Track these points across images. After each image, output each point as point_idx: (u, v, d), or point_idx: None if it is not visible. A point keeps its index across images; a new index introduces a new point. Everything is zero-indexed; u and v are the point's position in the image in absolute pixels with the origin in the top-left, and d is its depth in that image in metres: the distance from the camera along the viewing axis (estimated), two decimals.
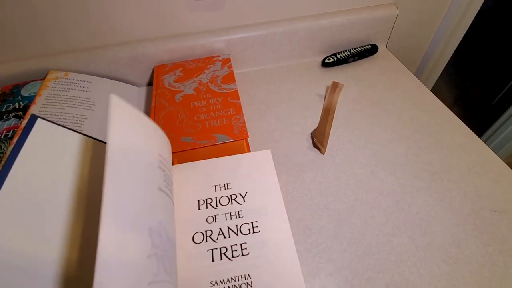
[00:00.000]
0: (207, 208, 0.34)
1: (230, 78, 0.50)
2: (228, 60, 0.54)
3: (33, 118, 0.29)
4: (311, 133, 0.48)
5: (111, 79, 0.54)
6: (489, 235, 0.36)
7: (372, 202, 0.39)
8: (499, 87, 1.55)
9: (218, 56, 0.55)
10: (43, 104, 0.46)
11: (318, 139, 0.46)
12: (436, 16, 0.64)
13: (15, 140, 0.33)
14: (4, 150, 0.40)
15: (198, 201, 0.34)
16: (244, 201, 0.34)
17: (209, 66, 0.53)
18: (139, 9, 0.50)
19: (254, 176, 0.36)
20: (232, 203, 0.34)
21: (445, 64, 0.77)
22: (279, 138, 0.48)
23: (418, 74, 0.78)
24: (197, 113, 0.45)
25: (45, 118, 0.30)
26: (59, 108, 0.46)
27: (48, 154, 0.27)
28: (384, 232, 0.36)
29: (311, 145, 0.47)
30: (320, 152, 0.45)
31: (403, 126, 0.49)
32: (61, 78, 0.51)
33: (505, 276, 0.32)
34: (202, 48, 0.55)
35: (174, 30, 0.55)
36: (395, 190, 0.40)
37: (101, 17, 0.50)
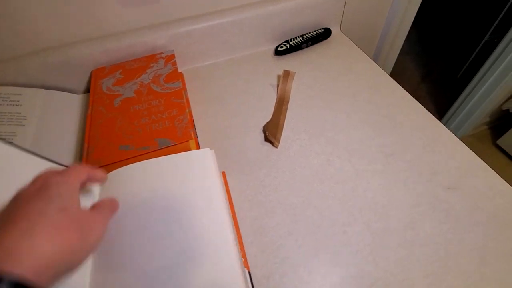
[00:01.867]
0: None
1: (174, 76, 0.47)
2: (172, 56, 0.50)
3: None
4: (263, 127, 0.45)
5: (46, 89, 0.49)
6: (444, 213, 0.35)
7: (327, 192, 0.38)
8: (463, 60, 1.60)
9: (162, 53, 0.51)
10: None
11: (271, 132, 0.44)
12: None
13: None
14: None
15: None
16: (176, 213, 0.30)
17: (151, 65, 0.49)
18: (67, 9, 0.45)
19: (189, 180, 0.31)
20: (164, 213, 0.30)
21: (404, 38, 0.77)
22: (233, 134, 0.46)
23: (377, 53, 0.77)
24: (138, 118, 0.41)
25: None
26: None
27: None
28: (339, 222, 0.35)
29: (264, 140, 0.44)
30: (274, 146, 0.43)
31: (358, 109, 0.47)
32: None
33: (460, 254, 0.32)
34: (143, 46, 0.51)
35: (109, 29, 0.50)
36: (350, 177, 0.39)
37: (23, 21, 0.45)
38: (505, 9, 1.32)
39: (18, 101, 0.47)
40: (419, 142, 0.42)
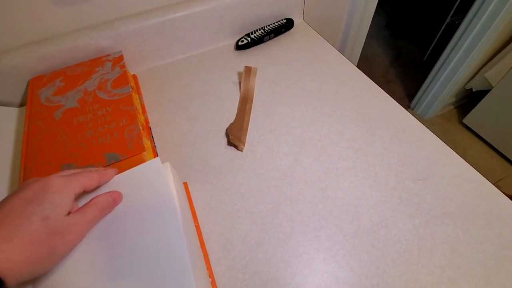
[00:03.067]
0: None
1: (123, 80, 0.42)
2: (121, 58, 0.46)
3: None
4: (226, 130, 0.42)
5: None
6: (414, 206, 0.34)
7: (297, 195, 0.36)
8: (428, 43, 1.64)
9: (108, 55, 0.46)
10: None
11: (235, 135, 0.41)
12: None
13: None
14: None
15: None
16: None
17: (97, 69, 0.44)
18: None
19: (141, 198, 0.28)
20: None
21: (369, 23, 0.76)
22: (193, 140, 0.42)
23: (343, 41, 0.76)
24: (82, 131, 0.37)
25: None
26: None
27: None
28: (311, 227, 0.33)
29: (227, 144, 0.41)
30: (238, 149, 0.40)
31: (324, 103, 0.45)
32: None
33: (433, 249, 0.31)
34: (86, 49, 0.46)
35: (45, 33, 0.44)
36: (320, 176, 0.37)
37: None
38: None
39: None
40: (387, 134, 0.41)
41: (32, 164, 0.34)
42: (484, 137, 1.33)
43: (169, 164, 0.30)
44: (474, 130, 1.36)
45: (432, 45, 1.59)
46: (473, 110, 1.32)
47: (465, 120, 1.38)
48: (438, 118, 1.44)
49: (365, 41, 0.82)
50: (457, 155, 0.38)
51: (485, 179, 0.36)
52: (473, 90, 1.33)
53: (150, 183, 0.28)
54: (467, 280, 0.29)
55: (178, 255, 0.24)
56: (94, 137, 0.36)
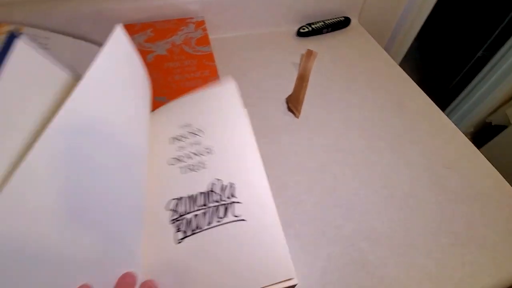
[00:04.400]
0: (178, 141, 0.32)
1: (204, 40, 0.49)
2: (202, 22, 0.52)
3: (11, 38, 0.25)
4: (286, 99, 0.49)
5: (75, 38, 0.50)
6: (441, 187, 0.40)
7: (342, 160, 0.42)
8: (456, 72, 1.69)
9: (192, 18, 0.53)
10: None
11: (293, 104, 0.47)
12: None
13: None
14: None
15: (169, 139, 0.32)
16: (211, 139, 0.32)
17: (182, 28, 0.51)
18: None
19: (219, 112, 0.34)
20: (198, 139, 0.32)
21: (411, 41, 0.82)
22: (254, 103, 0.48)
23: (387, 49, 0.82)
24: (172, 74, 0.43)
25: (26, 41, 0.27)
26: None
27: (25, 83, 0.25)
28: (352, 186, 0.39)
29: (286, 110, 0.48)
30: (295, 116, 0.47)
31: (371, 94, 0.51)
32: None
33: (452, 221, 0.37)
34: (173, 9, 0.53)
35: None
36: (362, 150, 0.43)
37: None
38: (500, 28, 1.41)
39: (46, 44, 0.47)
40: (423, 127, 0.47)
41: None
42: (497, 170, 1.38)
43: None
44: (489, 161, 1.41)
45: (461, 74, 1.64)
46: (489, 143, 1.37)
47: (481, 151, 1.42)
48: None
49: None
50: (481, 153, 0.44)
51: (501, 176, 0.42)
52: (492, 124, 1.38)
53: (224, 105, 0.34)
54: (475, 245, 0.35)
55: (256, 172, 0.30)
56: (182, 80, 0.43)
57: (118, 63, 0.29)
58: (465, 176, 0.41)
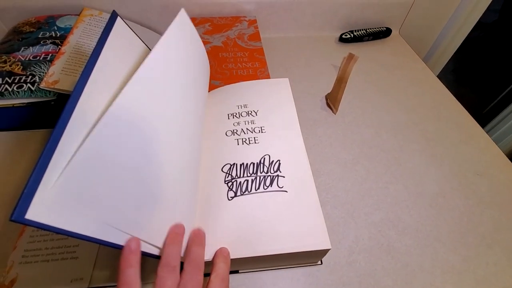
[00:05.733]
0: (235, 118, 0.37)
1: (256, 37, 0.54)
2: (254, 21, 0.58)
3: (115, 15, 0.31)
4: (326, 96, 0.52)
5: (144, 27, 0.57)
6: (471, 191, 0.42)
7: (374, 156, 0.45)
8: (491, 98, 1.64)
9: (245, 16, 0.58)
10: (80, 36, 0.48)
11: (331, 101, 0.51)
12: (448, 10, 0.69)
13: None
14: (44, 70, 0.43)
15: (228, 114, 0.37)
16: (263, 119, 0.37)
17: (236, 24, 0.56)
18: None
19: (271, 98, 0.39)
20: (252, 117, 0.37)
21: (448, 59, 0.83)
22: (295, 96, 0.52)
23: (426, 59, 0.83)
24: (225, 63, 0.48)
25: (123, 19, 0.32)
26: (95, 42, 0.49)
27: (123, 57, 0.30)
28: (383, 180, 0.42)
29: (325, 106, 0.51)
30: (332, 111, 0.50)
31: (406, 100, 0.54)
32: (95, 15, 0.53)
33: (480, 223, 0.38)
34: (231, 7, 0.58)
35: None
36: (395, 149, 0.46)
37: None
38: None
39: None
40: (456, 135, 0.49)
41: None
42: None
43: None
44: None
45: (497, 99, 1.59)
46: None
47: None
48: None
49: None
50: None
51: None
52: None
53: (277, 95, 0.39)
54: (501, 248, 0.36)
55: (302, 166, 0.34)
56: (234, 69, 0.48)
57: (183, 40, 0.33)
58: (495, 183, 0.43)
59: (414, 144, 0.47)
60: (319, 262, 0.33)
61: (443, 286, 0.33)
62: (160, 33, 0.59)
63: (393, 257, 0.35)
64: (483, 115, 1.67)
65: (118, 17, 0.32)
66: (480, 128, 0.50)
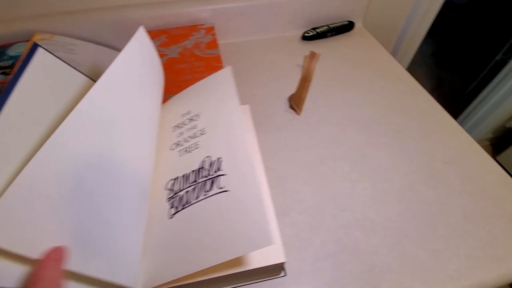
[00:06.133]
0: (178, 129, 0.35)
1: (213, 44, 0.53)
2: (212, 28, 0.56)
3: (35, 47, 0.29)
4: (288, 97, 0.51)
5: (97, 44, 0.55)
6: (439, 181, 0.41)
7: (341, 155, 0.44)
8: (473, 77, 1.65)
9: (203, 25, 0.57)
10: None
11: (295, 102, 0.50)
12: None
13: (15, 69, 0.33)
14: None
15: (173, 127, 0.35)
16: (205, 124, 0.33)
17: (193, 33, 0.55)
18: None
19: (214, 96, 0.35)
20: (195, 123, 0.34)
21: (418, 45, 0.82)
22: (259, 101, 0.51)
23: (393, 54, 0.83)
24: (182, 75, 0.47)
25: (47, 49, 0.30)
26: None
27: (47, 87, 0.29)
28: (349, 179, 0.41)
29: (288, 108, 0.50)
30: (296, 113, 0.49)
31: (372, 93, 0.53)
32: (46, 39, 0.52)
33: (450, 213, 0.37)
34: (187, 16, 0.57)
35: None
36: (361, 145, 0.45)
37: None
38: None
39: (73, 50, 0.53)
40: (424, 124, 0.48)
41: None
42: None
43: (248, 106, 0.40)
44: (506, 168, 1.35)
45: (478, 80, 1.60)
46: (508, 149, 1.32)
47: (499, 158, 1.37)
48: None
49: (409, 67, 0.87)
50: (483, 149, 0.44)
51: (506, 173, 0.42)
52: None
53: (220, 90, 0.35)
54: (473, 238, 0.35)
55: (243, 156, 0.29)
56: (191, 80, 0.46)
57: (139, 59, 0.32)
58: (465, 171, 0.42)
59: (381, 138, 0.46)
60: (282, 274, 0.32)
61: (412, 286, 0.31)
62: (116, 49, 0.58)
63: (360, 259, 0.33)
64: (466, 95, 1.67)
65: (40, 48, 0.30)
66: (449, 115, 0.49)
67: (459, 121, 1.40)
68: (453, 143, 0.45)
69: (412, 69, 1.00)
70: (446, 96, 1.69)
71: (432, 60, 1.89)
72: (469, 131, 1.37)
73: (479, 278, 0.33)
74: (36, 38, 0.51)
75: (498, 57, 1.49)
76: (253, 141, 0.36)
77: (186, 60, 0.50)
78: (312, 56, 0.56)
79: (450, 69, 1.84)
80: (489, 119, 1.30)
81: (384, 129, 0.47)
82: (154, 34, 0.55)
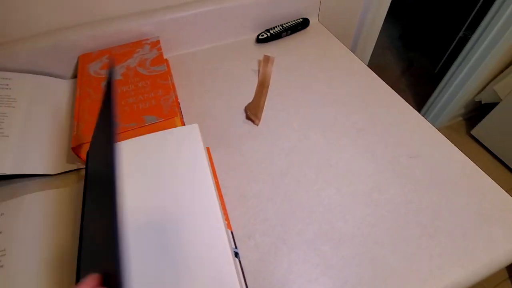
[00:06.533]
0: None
1: (159, 60, 0.49)
2: (158, 42, 0.53)
3: None
4: (245, 107, 0.48)
5: (34, 74, 0.51)
6: (405, 177, 0.39)
7: (304, 162, 0.41)
8: (440, 56, 1.68)
9: (147, 39, 0.54)
10: None
11: (252, 112, 0.47)
12: None
13: None
14: None
15: None
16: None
17: (137, 50, 0.52)
18: None
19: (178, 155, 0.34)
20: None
21: (378, 31, 0.81)
22: (216, 115, 0.48)
23: (354, 46, 0.82)
24: (125, 98, 0.44)
25: None
26: None
27: None
28: (314, 187, 0.39)
29: (245, 119, 0.48)
30: (254, 123, 0.46)
31: (332, 91, 0.51)
32: None
33: (419, 211, 0.36)
34: (129, 33, 0.53)
35: (97, 15, 0.52)
36: (324, 149, 0.43)
37: (13, 8, 0.46)
38: (478, 6, 1.40)
39: (7, 84, 0.48)
40: (387, 119, 0.46)
41: (84, 119, 0.41)
42: (491, 149, 1.35)
43: (197, 125, 0.37)
44: (481, 142, 1.38)
45: (444, 58, 1.63)
46: (481, 122, 1.35)
47: (473, 132, 1.40)
48: (446, 128, 1.47)
49: (378, 51, 0.87)
50: (446, 138, 0.43)
51: (470, 160, 0.41)
52: (482, 103, 1.35)
53: (186, 143, 0.34)
54: (444, 234, 0.34)
55: (211, 210, 0.29)
56: (135, 103, 0.43)
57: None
58: (430, 163, 0.40)
59: (344, 138, 0.44)
60: None
61: None
62: (55, 76, 0.53)
63: (330, 276, 0.31)
64: (436, 74, 1.71)
65: None
66: (410, 106, 0.48)
67: (431, 100, 1.41)
68: (416, 134, 0.44)
69: (381, 53, 1.00)
70: (417, 76, 1.72)
71: (400, 43, 1.91)
72: (442, 109, 1.39)
73: (453, 277, 0.31)
74: None
75: (461, 34, 1.52)
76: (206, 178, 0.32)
77: (129, 81, 0.46)
78: (267, 60, 0.54)
79: (418, 50, 1.87)
80: (459, 95, 1.32)
81: (347, 129, 0.45)
82: (95, 55, 0.51)
